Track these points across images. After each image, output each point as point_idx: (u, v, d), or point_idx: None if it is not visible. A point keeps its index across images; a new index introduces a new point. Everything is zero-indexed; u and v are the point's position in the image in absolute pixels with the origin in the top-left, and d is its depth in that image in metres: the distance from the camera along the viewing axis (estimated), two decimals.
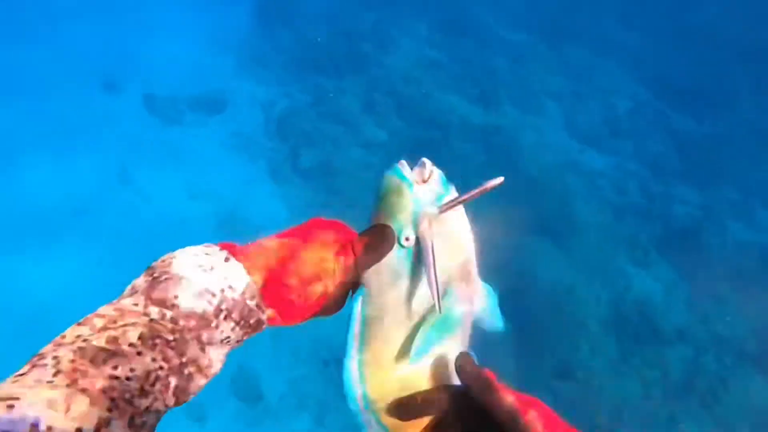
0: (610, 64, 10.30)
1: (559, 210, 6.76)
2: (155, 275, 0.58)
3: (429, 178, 0.75)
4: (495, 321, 0.81)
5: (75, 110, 8.78)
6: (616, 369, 5.63)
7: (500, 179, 0.68)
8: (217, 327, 0.58)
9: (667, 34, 10.60)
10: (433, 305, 0.68)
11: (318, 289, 0.67)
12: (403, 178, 0.74)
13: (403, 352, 0.71)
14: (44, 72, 9.62)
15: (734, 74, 9.26)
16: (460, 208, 0.76)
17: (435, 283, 0.68)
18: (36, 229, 6.91)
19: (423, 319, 0.71)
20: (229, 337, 0.60)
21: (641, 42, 10.69)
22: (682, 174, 8.26)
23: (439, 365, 0.72)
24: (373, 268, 0.71)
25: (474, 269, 0.78)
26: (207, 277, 0.59)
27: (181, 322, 0.55)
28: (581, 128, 8.91)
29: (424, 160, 0.75)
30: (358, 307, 0.71)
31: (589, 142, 8.71)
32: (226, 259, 0.62)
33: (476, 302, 0.78)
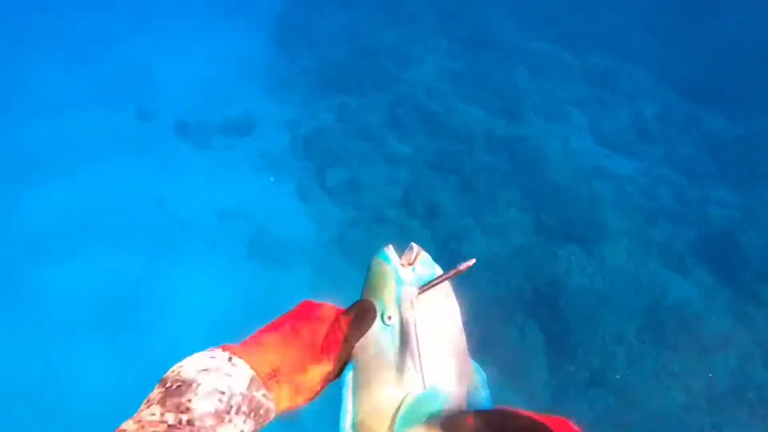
0: (634, 69, 10.17)
1: (589, 217, 6.67)
2: (168, 385, 0.64)
3: (414, 261, 0.79)
4: (483, 399, 0.82)
5: (112, 138, 9.16)
6: (656, 378, 5.46)
7: (472, 261, 0.73)
8: (230, 422, 0.62)
9: (690, 38, 10.41)
10: (418, 380, 0.72)
11: (316, 372, 0.74)
12: (388, 261, 0.79)
13: (390, 422, 0.74)
14: (83, 104, 10.08)
15: (763, 74, 9.01)
16: (449, 289, 0.80)
17: (418, 359, 0.72)
18: (74, 250, 7.19)
19: (408, 394, 0.74)
20: (242, 430, 0.64)
21: (665, 46, 10.52)
22: (716, 176, 8.05)
23: None
24: (360, 343, 0.77)
25: (461, 347, 0.80)
26: (214, 378, 0.64)
27: (197, 423, 0.59)
28: (607, 134, 8.80)
29: (412, 244, 0.81)
30: (349, 380, 0.76)
31: (616, 148, 8.58)
32: (230, 359, 0.68)
33: (465, 380, 0.79)
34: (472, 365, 0.81)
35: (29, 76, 10.97)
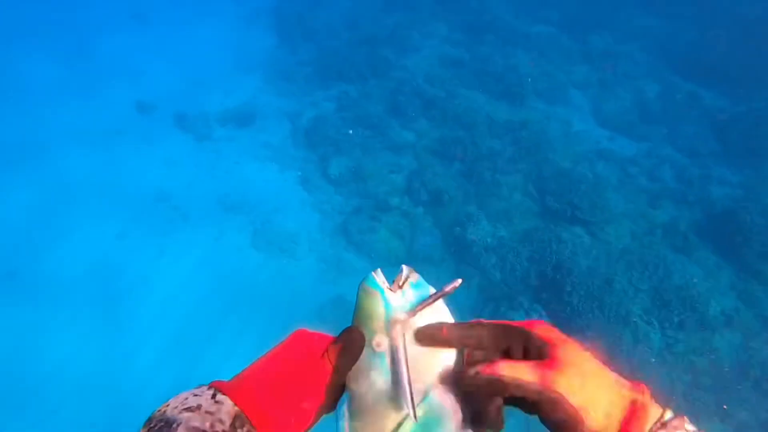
0: (635, 49, 10.10)
1: (592, 200, 6.68)
2: (152, 425, 0.62)
3: (404, 284, 0.76)
4: None
5: (112, 133, 9.15)
6: (662, 358, 5.52)
7: (459, 281, 0.71)
8: None
9: (690, 16, 10.33)
10: (412, 409, 0.69)
11: (307, 405, 0.72)
12: (375, 286, 0.75)
13: None
14: (81, 95, 10.06)
15: (764, 51, 8.94)
16: (444, 311, 0.76)
17: (407, 389, 0.69)
18: (80, 242, 7.23)
19: (400, 425, 0.72)
20: None
21: (665, 26, 10.44)
22: (719, 155, 8.04)
23: None
24: (352, 372, 0.75)
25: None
26: (195, 417, 0.62)
27: None
28: (610, 116, 8.77)
29: (403, 266, 0.77)
30: (344, 411, 0.75)
31: (619, 130, 8.56)
32: (213, 396, 0.66)
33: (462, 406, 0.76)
34: None
35: (24, 68, 10.94)
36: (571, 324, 5.63)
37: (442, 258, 6.47)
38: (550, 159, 7.40)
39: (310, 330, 0.80)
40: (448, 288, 0.71)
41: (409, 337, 0.73)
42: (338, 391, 0.76)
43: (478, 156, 7.45)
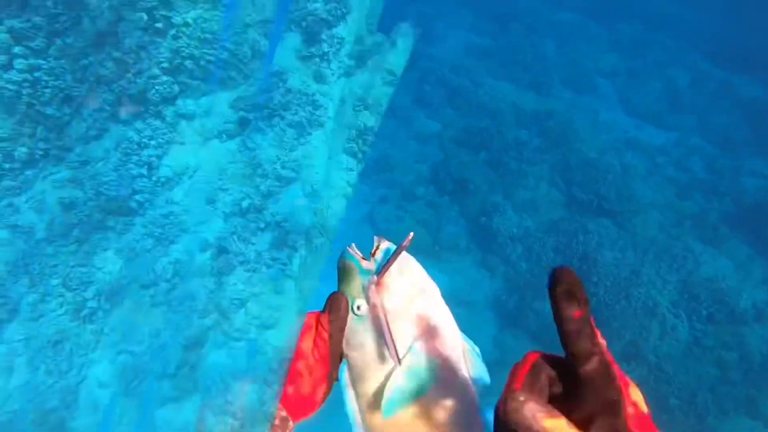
0: (665, 37, 9.88)
1: (619, 190, 6.61)
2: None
3: (375, 252, 0.83)
4: (481, 375, 0.81)
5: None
6: (689, 351, 5.48)
7: (411, 234, 0.78)
8: None
9: (723, 2, 10.03)
10: (401, 361, 0.76)
11: (316, 376, 0.78)
12: (350, 258, 0.84)
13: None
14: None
15: None
16: (418, 270, 0.83)
17: (389, 340, 0.76)
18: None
19: (390, 379, 0.78)
20: None
21: (697, 12, 10.18)
22: (752, 145, 7.86)
23: (430, 414, 0.78)
24: (345, 339, 0.81)
25: (443, 325, 0.82)
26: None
27: None
28: (638, 105, 8.63)
29: (375, 237, 0.85)
30: (345, 377, 0.81)
31: (647, 119, 8.42)
32: None
33: (454, 355, 0.81)
34: (464, 341, 0.82)
35: None
36: (597, 315, 5.60)
37: (467, 247, 6.50)
38: (576, 149, 7.33)
39: (312, 311, 0.87)
40: (405, 242, 0.79)
41: (390, 296, 0.80)
42: (339, 357, 0.82)
43: (504, 146, 7.41)
